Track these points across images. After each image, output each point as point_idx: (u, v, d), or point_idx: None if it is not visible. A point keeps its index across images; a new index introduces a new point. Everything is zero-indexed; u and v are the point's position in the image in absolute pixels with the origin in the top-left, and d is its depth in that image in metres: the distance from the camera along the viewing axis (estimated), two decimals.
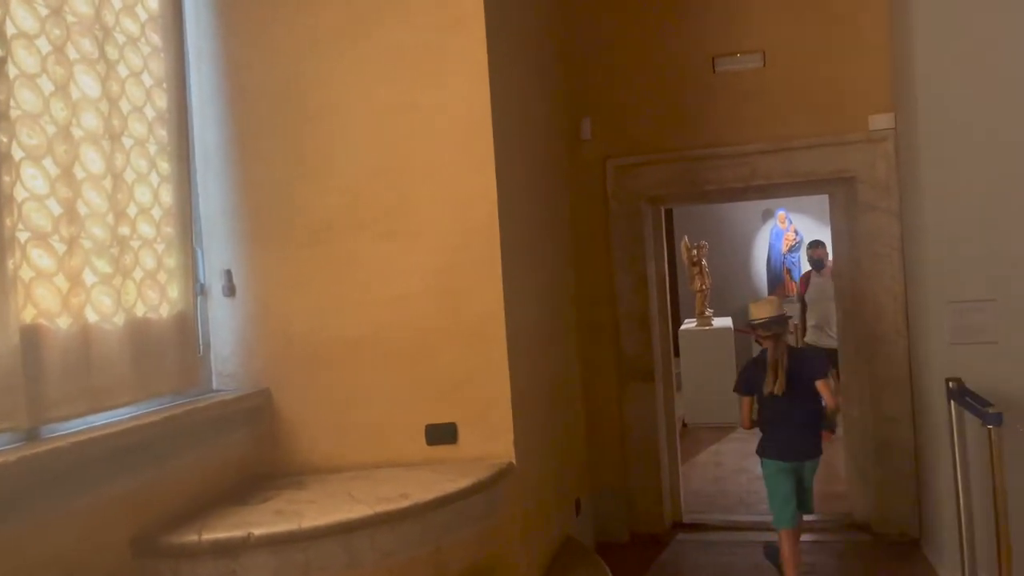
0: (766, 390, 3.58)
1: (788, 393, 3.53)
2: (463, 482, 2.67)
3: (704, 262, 8.16)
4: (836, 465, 5.76)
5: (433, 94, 2.91)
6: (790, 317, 3.90)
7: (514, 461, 2.91)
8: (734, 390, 3.81)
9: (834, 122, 4.17)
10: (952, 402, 3.41)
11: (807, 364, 3.60)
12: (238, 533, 2.16)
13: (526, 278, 3.32)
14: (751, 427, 3.77)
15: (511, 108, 3.23)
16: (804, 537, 4.06)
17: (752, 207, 10.38)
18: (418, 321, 2.93)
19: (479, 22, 2.85)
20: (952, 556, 3.53)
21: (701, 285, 7.98)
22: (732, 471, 5.83)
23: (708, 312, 7.98)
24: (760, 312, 3.64)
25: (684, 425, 7.47)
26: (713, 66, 4.32)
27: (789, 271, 10.16)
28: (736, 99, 4.30)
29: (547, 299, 3.73)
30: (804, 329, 6.80)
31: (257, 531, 2.17)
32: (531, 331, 3.34)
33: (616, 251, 4.51)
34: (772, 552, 3.99)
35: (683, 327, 7.91)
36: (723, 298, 9.91)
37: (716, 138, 4.33)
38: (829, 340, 6.27)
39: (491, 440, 2.94)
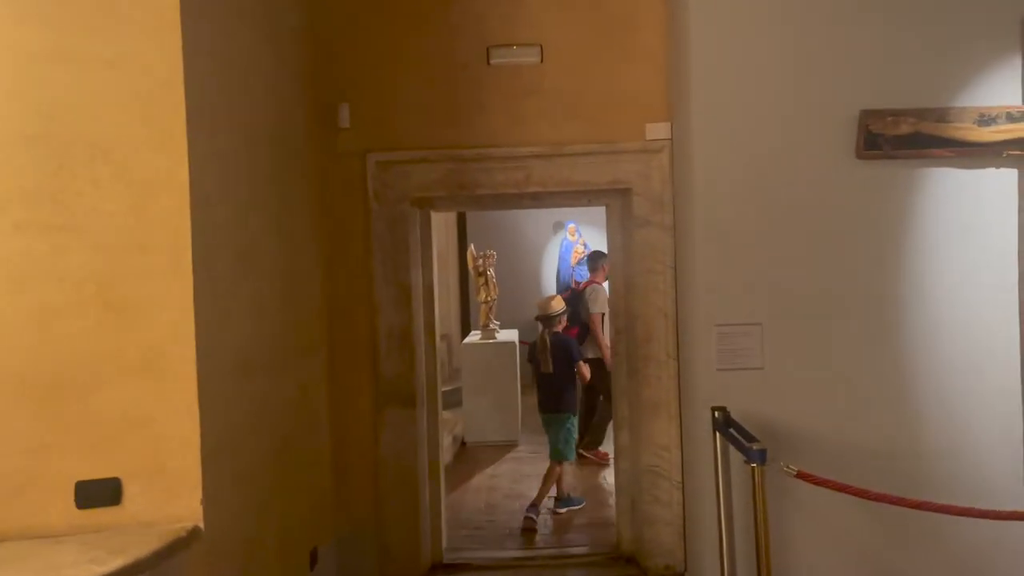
0: (542, 367, 5.21)
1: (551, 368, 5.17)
2: (112, 562, 2.00)
3: (491, 272, 7.83)
4: (606, 492, 5.58)
5: (100, 44, 2.21)
6: (563, 313, 5.43)
7: (202, 524, 2.27)
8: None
9: (611, 129, 3.89)
10: (717, 433, 3.19)
11: (568, 349, 5.23)
12: None
13: (239, 289, 2.68)
14: None
15: (223, 75, 2.58)
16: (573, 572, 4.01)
17: (543, 218, 10.29)
18: (71, 344, 2.21)
19: None
20: None
21: (486, 296, 7.63)
22: (505, 496, 5.47)
23: (493, 324, 7.65)
24: (539, 309, 5.39)
25: (463, 444, 7.07)
26: (488, 57, 3.90)
27: (578, 284, 10.15)
28: (512, 96, 3.91)
29: (276, 315, 3.09)
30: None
31: None
32: (244, 355, 2.70)
33: (377, 259, 3.96)
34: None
35: (465, 340, 7.52)
36: (511, 310, 9.69)
37: (490, 138, 3.92)
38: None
39: (171, 499, 2.28)
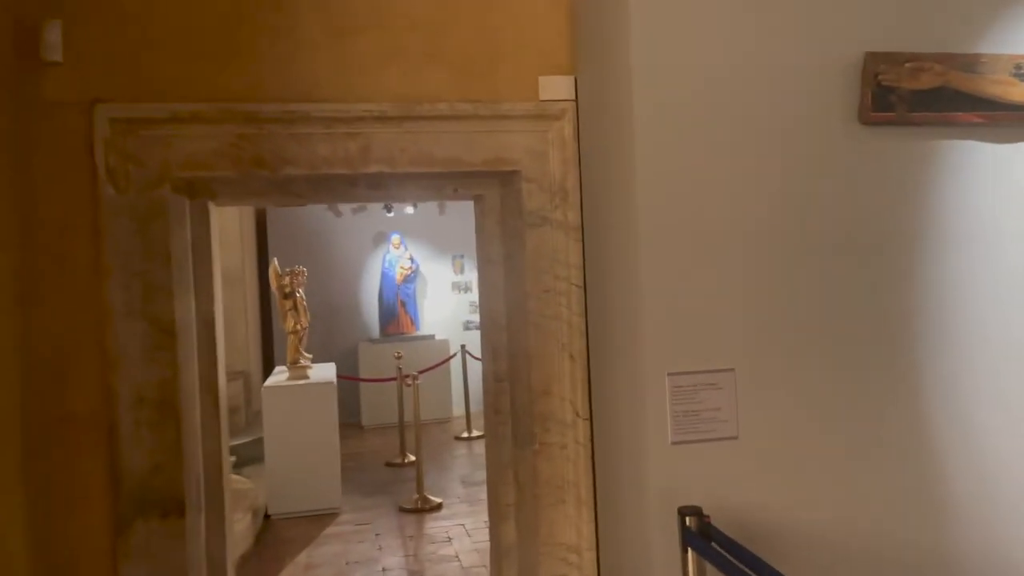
0: None
1: None
2: None
3: (301, 293, 6.29)
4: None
5: None
6: None
7: None
8: None
9: (490, 83, 2.64)
10: (690, 552, 2.01)
11: None
12: None
13: None
14: None
15: None
16: None
17: (362, 228, 8.84)
18: None
19: None
20: None
21: (296, 324, 6.08)
22: None
23: (304, 359, 6.11)
24: None
25: (267, 518, 5.46)
26: None
27: (404, 304, 8.80)
28: (341, 26, 2.54)
29: None
30: None
31: None
32: None
33: (116, 279, 2.41)
34: None
35: (268, 382, 5.91)
36: (326, 339, 8.15)
37: (306, 88, 2.52)
38: None
39: None
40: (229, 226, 7.00)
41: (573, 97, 2.67)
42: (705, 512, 2.02)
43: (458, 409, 8.47)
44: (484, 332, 3.04)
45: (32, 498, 2.28)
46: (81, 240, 2.38)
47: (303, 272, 6.42)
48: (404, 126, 2.59)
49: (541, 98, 2.66)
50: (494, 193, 2.88)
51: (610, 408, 2.52)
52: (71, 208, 2.37)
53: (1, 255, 2.19)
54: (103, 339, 2.38)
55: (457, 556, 4.57)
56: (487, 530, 4.94)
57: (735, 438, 2.20)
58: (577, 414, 2.69)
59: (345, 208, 8.66)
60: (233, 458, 6.29)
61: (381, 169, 2.60)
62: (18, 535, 2.22)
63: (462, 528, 5.02)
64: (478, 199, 2.96)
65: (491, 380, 2.96)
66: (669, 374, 2.18)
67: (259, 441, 6.09)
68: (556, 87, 2.66)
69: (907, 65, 2.21)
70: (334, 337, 8.45)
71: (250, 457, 6.53)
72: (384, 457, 7.11)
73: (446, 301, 9.16)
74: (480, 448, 7.58)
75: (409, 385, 6.05)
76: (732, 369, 2.21)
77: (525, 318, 2.73)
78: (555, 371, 2.71)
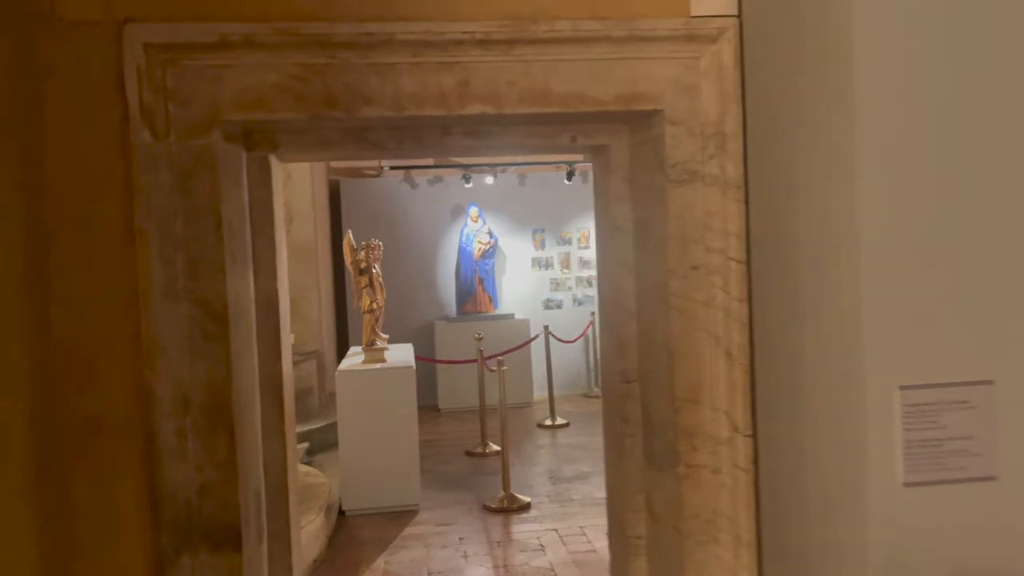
0: None
1: None
2: None
3: (377, 269, 5.80)
4: None
5: None
6: None
7: None
8: None
9: None
10: None
11: None
12: None
13: None
14: None
15: None
16: None
17: (438, 198, 8.34)
18: None
19: None
20: None
21: (372, 303, 5.59)
22: None
23: (381, 340, 5.63)
24: None
25: (341, 514, 5.03)
26: None
27: (482, 281, 8.27)
28: None
29: None
30: None
31: None
32: None
33: (154, 249, 1.90)
34: None
35: (341, 365, 5.46)
36: (401, 317, 7.69)
37: (387, 5, 1.95)
38: None
39: None
40: (301, 198, 6.58)
41: (736, 12, 2.02)
42: None
43: (539, 394, 7.93)
44: (605, 319, 2.45)
45: (47, 527, 1.81)
46: (108, 200, 1.87)
47: (379, 246, 5.93)
48: (513, 52, 1.98)
49: (692, 14, 2.02)
50: (621, 144, 2.26)
51: (788, 425, 1.89)
52: (95, 159, 1.86)
53: (5, 219, 1.69)
54: (137, 326, 1.88)
55: (553, 569, 4.01)
56: (584, 538, 4.41)
57: (994, 479, 1.55)
58: (736, 429, 2.07)
59: (421, 179, 8.18)
60: (306, 444, 5.90)
61: (483, 110, 2.01)
62: (28, 574, 1.74)
63: (555, 534, 4.47)
64: (599, 151, 2.35)
65: (616, 380, 2.36)
66: (901, 388, 1.54)
67: (333, 426, 5.70)
68: (713, 1, 2.02)
69: None
70: (409, 315, 8.00)
71: (323, 443, 6.15)
72: (463, 445, 6.62)
73: (526, 278, 8.61)
74: (565, 437, 7.03)
75: (493, 370, 5.51)
76: (990, 381, 1.55)
77: (665, 302, 2.12)
78: (706, 372, 2.09)
